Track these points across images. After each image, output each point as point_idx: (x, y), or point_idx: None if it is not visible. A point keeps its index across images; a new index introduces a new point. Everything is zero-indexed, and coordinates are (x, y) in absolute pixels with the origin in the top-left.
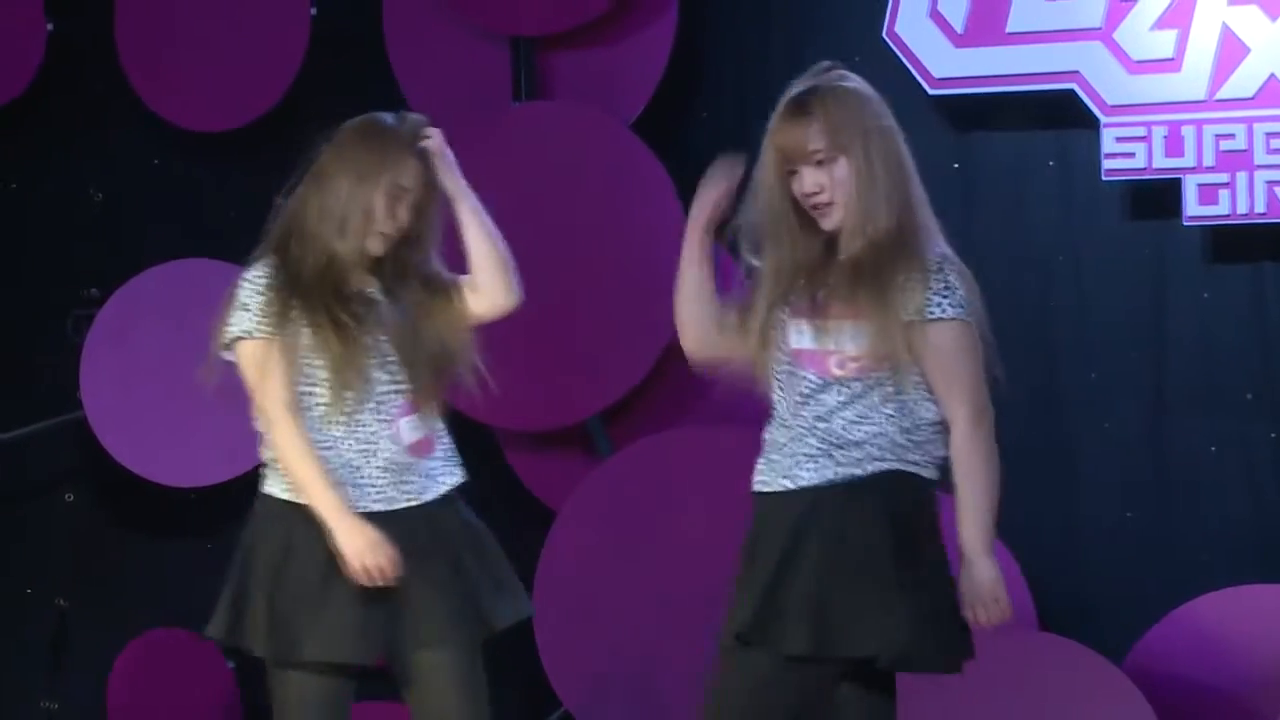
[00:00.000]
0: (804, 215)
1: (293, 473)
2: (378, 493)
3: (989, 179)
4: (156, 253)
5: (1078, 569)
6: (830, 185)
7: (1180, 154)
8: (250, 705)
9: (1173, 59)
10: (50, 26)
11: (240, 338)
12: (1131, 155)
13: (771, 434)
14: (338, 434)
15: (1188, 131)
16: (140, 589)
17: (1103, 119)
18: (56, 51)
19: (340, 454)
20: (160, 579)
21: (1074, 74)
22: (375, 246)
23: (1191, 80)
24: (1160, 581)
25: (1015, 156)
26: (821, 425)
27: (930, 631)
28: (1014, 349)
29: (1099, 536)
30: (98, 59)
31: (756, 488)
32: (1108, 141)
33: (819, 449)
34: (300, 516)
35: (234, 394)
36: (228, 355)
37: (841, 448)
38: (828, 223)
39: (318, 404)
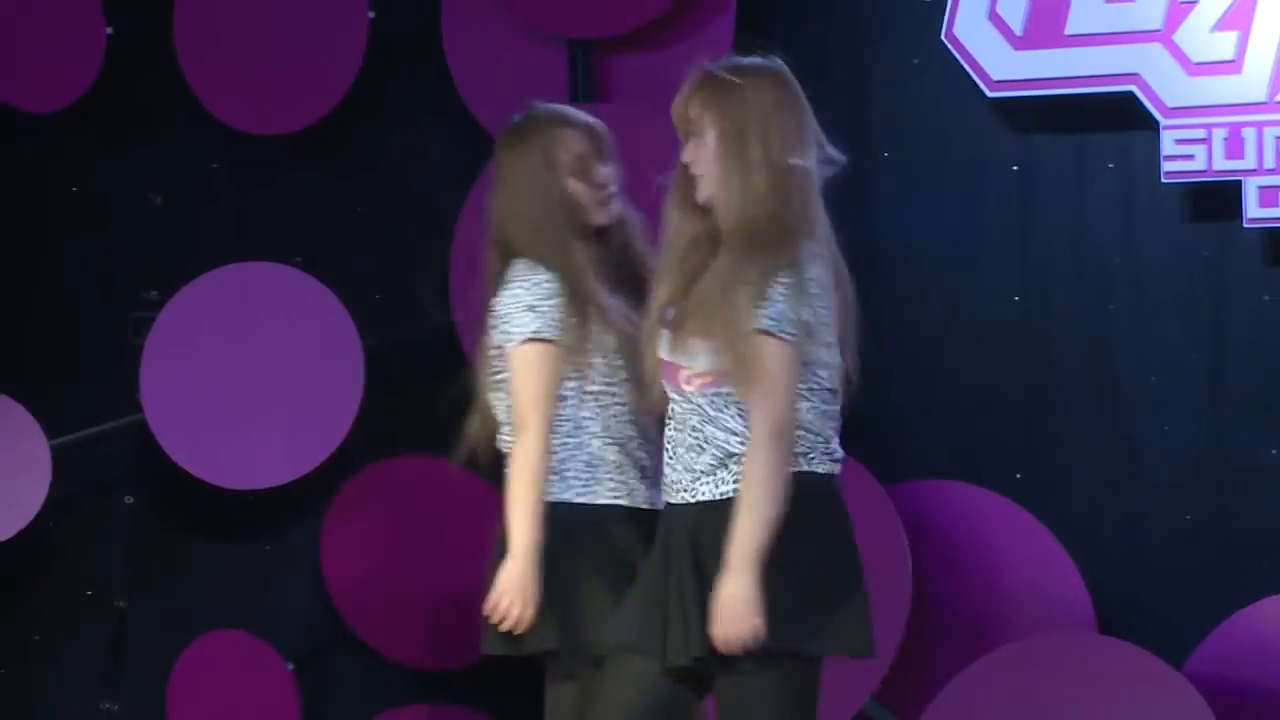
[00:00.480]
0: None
1: (524, 487)
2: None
3: (1048, 182)
4: (215, 255)
5: (1137, 572)
6: (699, 159)
7: (1240, 156)
8: (308, 707)
9: (1233, 60)
10: (110, 30)
11: (532, 339)
12: (1191, 157)
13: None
14: (630, 433)
15: (1248, 133)
16: (199, 591)
17: (1162, 121)
18: (116, 55)
19: (630, 453)
20: (219, 581)
21: (1133, 76)
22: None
23: (1252, 82)
24: (1220, 585)
25: (1074, 159)
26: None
27: (796, 615)
28: (1073, 352)
29: (1159, 539)
30: (157, 62)
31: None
32: (1167, 144)
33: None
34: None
35: (292, 397)
36: (500, 352)
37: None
38: (699, 194)
39: (615, 403)
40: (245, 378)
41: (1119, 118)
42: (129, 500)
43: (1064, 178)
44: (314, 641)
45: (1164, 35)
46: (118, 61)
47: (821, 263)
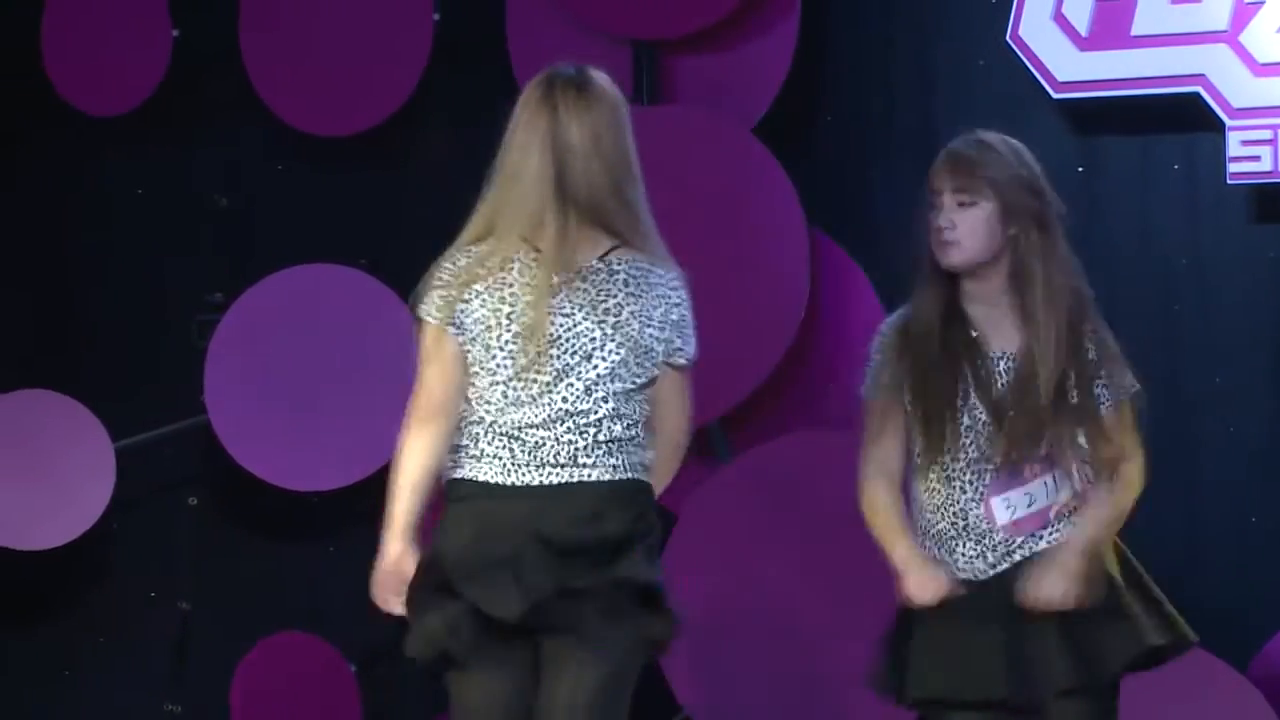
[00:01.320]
0: None
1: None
2: None
3: (1113, 183)
4: (280, 258)
5: (1201, 573)
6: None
7: None
8: (371, 709)
9: None
10: (176, 32)
11: None
12: (1257, 159)
13: None
14: None
15: None
16: (263, 592)
17: (1228, 122)
18: (181, 57)
19: None
20: (283, 582)
21: (1199, 77)
22: None
23: None
24: None
25: (1140, 160)
26: None
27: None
28: (1139, 352)
29: (1223, 540)
30: (222, 64)
31: None
32: (1233, 145)
33: None
34: None
35: (355, 399)
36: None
37: None
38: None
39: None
40: (309, 380)
41: (1185, 119)
42: (193, 502)
43: (1129, 179)
44: (377, 643)
45: (1230, 36)
46: (183, 63)
47: None
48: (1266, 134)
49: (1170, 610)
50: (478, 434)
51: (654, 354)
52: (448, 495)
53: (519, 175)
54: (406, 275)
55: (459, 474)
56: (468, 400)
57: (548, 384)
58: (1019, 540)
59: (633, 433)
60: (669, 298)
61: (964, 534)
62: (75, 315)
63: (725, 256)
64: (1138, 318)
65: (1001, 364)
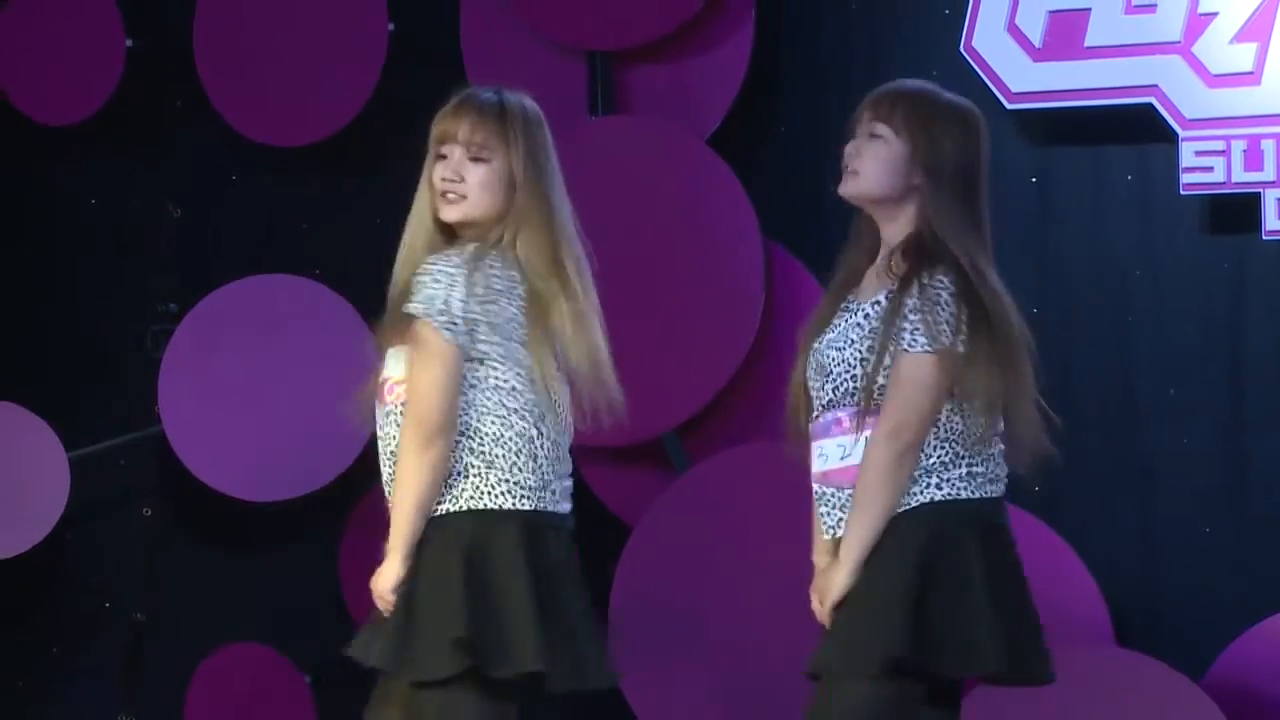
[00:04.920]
0: None
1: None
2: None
3: (1067, 193)
4: (234, 268)
5: (1155, 584)
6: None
7: (1260, 168)
8: (326, 719)
9: (1252, 72)
10: (130, 42)
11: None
12: (1210, 169)
13: None
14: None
15: (1267, 145)
16: (217, 603)
17: (1181, 133)
18: (136, 67)
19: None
20: (238, 593)
21: (1152, 88)
22: None
23: (1271, 93)
24: (1239, 597)
25: (1093, 171)
26: None
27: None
28: (1092, 363)
29: (1177, 552)
30: (177, 75)
31: None
32: (1186, 155)
33: None
34: None
35: (310, 410)
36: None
37: None
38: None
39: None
40: (264, 390)
41: (1138, 130)
42: (147, 512)
43: (1083, 189)
44: (332, 654)
45: (1183, 47)
46: (137, 74)
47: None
48: (1219, 145)
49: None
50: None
51: None
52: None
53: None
54: (360, 285)
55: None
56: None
57: None
58: (846, 495)
59: None
60: None
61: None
62: (28, 325)
63: (680, 267)
64: (1091, 328)
65: (849, 313)
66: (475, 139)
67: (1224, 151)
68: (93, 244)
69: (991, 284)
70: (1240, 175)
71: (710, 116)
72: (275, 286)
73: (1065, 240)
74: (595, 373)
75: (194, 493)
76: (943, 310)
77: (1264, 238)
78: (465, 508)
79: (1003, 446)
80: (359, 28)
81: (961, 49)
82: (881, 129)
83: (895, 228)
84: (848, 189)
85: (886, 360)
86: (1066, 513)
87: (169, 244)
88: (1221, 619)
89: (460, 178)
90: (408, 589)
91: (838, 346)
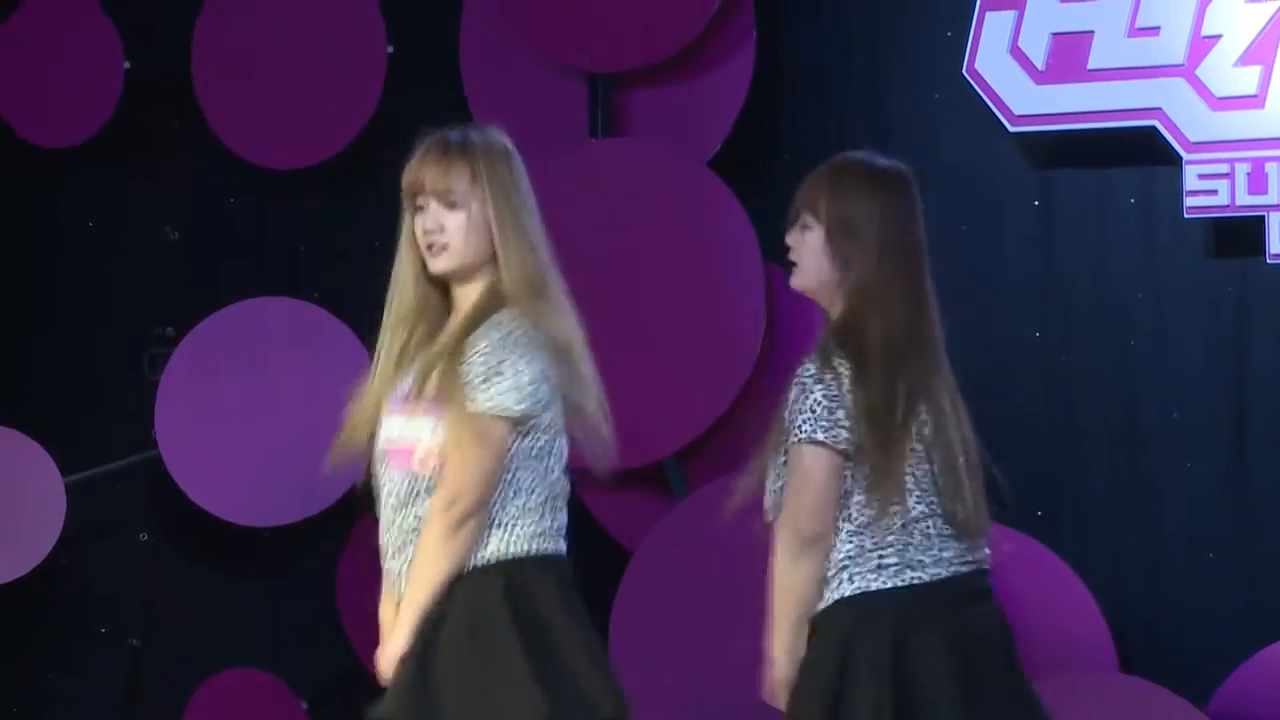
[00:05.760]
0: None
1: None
2: None
3: (1070, 216)
4: (232, 291)
5: (1159, 610)
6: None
7: (1264, 191)
8: None
9: (1256, 95)
10: (128, 64)
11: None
12: (1214, 192)
13: None
14: None
15: (1271, 168)
16: (214, 629)
17: (1185, 156)
18: (134, 89)
19: None
20: (234, 619)
21: (1156, 111)
22: None
23: (1275, 116)
24: (1244, 623)
25: (1096, 194)
26: None
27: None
28: (1095, 388)
29: (1181, 577)
30: (175, 97)
31: None
32: (1190, 179)
33: None
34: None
35: (308, 434)
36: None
37: None
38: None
39: None
40: (261, 414)
41: (1141, 153)
42: (144, 537)
43: (1086, 213)
44: (329, 679)
45: (1187, 70)
46: (136, 96)
47: None
48: (1223, 168)
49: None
50: None
51: None
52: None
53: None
54: (359, 308)
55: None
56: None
57: None
58: None
59: None
60: None
61: None
62: (24, 348)
63: (681, 291)
64: (1094, 352)
65: None
66: (446, 186)
67: (1228, 175)
68: (90, 266)
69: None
70: (1244, 199)
71: (711, 139)
72: (273, 309)
73: (1068, 263)
74: (598, 408)
75: (191, 517)
76: (804, 399)
77: (1268, 261)
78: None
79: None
80: (358, 50)
81: (964, 71)
82: (808, 218)
83: (835, 311)
84: (794, 283)
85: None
86: (1069, 536)
87: (167, 267)
88: (1226, 644)
89: (441, 227)
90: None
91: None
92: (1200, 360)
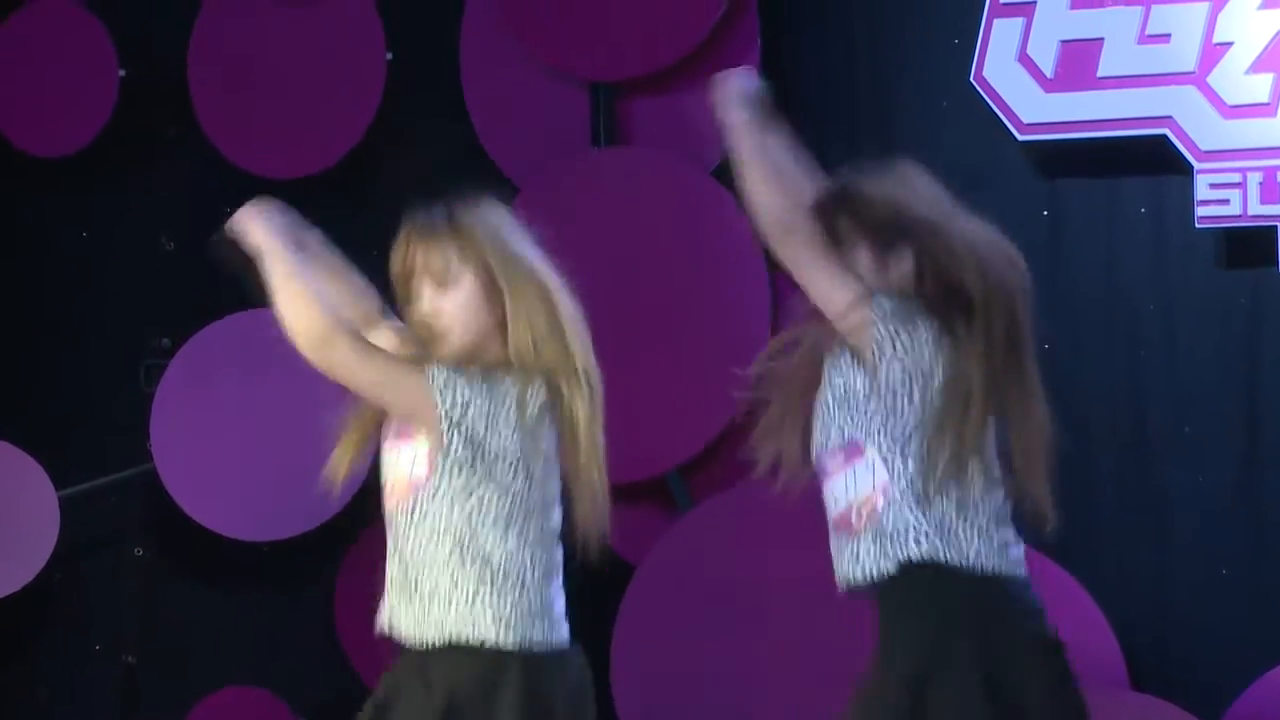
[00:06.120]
0: None
1: None
2: None
3: (1079, 226)
4: (229, 302)
5: (1170, 626)
6: None
7: (1277, 200)
8: None
9: (1268, 104)
10: (123, 72)
11: None
12: (1226, 202)
13: None
14: None
15: None
16: (211, 646)
17: (1196, 165)
18: (129, 98)
19: None
20: (231, 635)
21: (1166, 119)
22: None
23: None
24: (1256, 640)
25: (1106, 203)
26: None
27: None
28: (1105, 399)
29: (1192, 593)
30: (171, 105)
31: None
32: (1201, 188)
33: None
34: None
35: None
36: None
37: None
38: None
39: None
40: (259, 427)
41: (1152, 161)
42: (138, 552)
43: (1095, 222)
44: (327, 697)
45: (1198, 78)
46: (131, 104)
47: None
48: (1235, 177)
49: None
50: None
51: None
52: None
53: None
54: None
55: None
56: None
57: None
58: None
59: None
60: None
61: None
62: (17, 359)
63: (686, 301)
64: (1104, 363)
65: None
66: (438, 267)
67: (1240, 184)
68: (85, 277)
69: None
70: (1256, 208)
71: (714, 148)
72: (270, 321)
73: (1078, 273)
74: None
75: (187, 532)
76: None
77: None
78: None
79: None
80: (357, 57)
81: (972, 79)
82: None
83: None
84: None
85: None
86: (1079, 552)
87: (162, 277)
88: (1238, 661)
89: (439, 311)
90: None
91: None
92: (1212, 372)
